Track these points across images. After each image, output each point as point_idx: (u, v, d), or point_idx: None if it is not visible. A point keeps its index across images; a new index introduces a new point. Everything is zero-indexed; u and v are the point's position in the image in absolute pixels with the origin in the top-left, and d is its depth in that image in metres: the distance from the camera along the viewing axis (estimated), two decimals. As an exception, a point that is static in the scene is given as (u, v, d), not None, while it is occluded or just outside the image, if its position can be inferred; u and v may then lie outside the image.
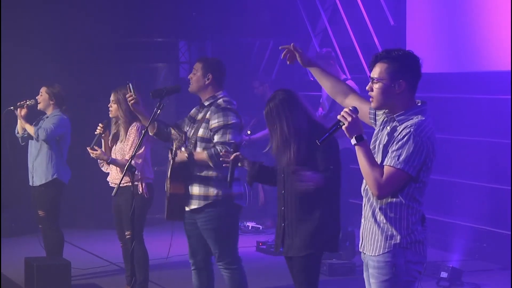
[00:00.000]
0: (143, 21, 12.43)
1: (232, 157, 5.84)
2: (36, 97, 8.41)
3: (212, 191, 6.34)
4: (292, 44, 4.96)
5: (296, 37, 13.31)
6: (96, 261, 9.28)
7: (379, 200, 4.37)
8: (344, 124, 4.30)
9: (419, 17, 11.08)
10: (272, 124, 5.69)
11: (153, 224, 10.32)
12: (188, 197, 6.40)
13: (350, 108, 4.33)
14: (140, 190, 7.40)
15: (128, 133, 7.51)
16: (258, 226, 11.39)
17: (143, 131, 6.46)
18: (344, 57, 11.99)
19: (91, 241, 10.49)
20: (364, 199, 4.50)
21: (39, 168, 8.32)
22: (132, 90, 6.58)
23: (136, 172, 6.83)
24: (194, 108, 6.64)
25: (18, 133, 8.46)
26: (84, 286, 8.49)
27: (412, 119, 4.35)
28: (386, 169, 4.29)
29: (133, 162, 7.21)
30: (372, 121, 4.61)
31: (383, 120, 4.50)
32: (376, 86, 4.40)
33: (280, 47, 5.07)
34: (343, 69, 11.86)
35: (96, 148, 7.43)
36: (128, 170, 6.27)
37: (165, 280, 8.54)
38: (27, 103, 8.39)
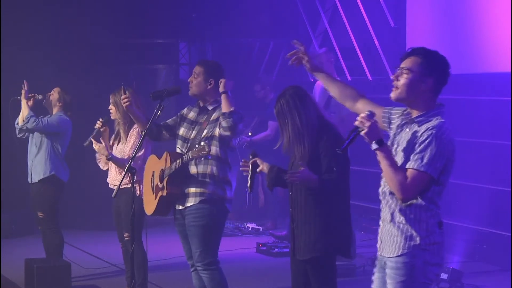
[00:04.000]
0: (144, 22, 12.44)
1: (251, 162, 5.80)
2: (47, 94, 8.45)
3: (208, 189, 6.34)
4: (303, 48, 4.94)
5: (296, 38, 13.31)
6: (96, 262, 9.29)
7: (398, 202, 4.37)
8: (362, 130, 4.28)
9: (419, 18, 11.08)
10: (284, 120, 5.63)
11: (152, 225, 10.32)
12: (183, 196, 6.40)
13: (366, 113, 4.30)
14: (138, 192, 7.41)
15: (129, 135, 7.55)
16: (258, 227, 11.39)
17: (142, 133, 6.46)
18: (344, 59, 11.99)
19: (91, 242, 10.50)
20: (382, 202, 4.50)
21: (38, 165, 8.35)
22: (126, 92, 6.58)
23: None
24: (186, 109, 6.63)
25: (17, 123, 8.46)
26: (84, 287, 8.49)
27: (431, 120, 4.36)
28: (410, 172, 4.28)
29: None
30: (386, 124, 4.58)
31: (399, 123, 4.49)
32: (404, 76, 4.40)
33: (293, 41, 5.06)
34: (343, 71, 11.88)
35: (101, 140, 7.47)
36: (128, 171, 6.27)
37: (164, 281, 8.54)
38: (36, 96, 8.44)
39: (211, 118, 6.41)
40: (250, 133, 11.37)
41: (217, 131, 6.34)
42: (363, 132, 4.28)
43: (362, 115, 4.30)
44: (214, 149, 6.34)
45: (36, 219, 8.52)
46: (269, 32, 13.48)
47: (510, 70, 9.22)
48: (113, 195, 6.40)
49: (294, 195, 5.66)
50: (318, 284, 5.59)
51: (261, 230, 11.35)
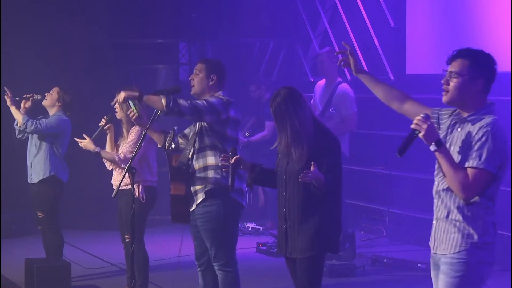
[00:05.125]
0: (144, 22, 12.44)
1: (232, 160, 5.81)
2: (46, 94, 8.44)
3: (211, 180, 6.33)
4: (349, 49, 4.96)
5: (296, 39, 13.33)
6: (96, 262, 9.28)
7: (456, 200, 4.41)
8: (419, 132, 4.32)
9: (419, 18, 11.08)
10: (281, 122, 5.64)
11: (154, 225, 10.32)
12: (191, 196, 6.40)
13: (422, 115, 4.35)
14: (137, 194, 7.40)
15: (129, 133, 7.56)
16: (258, 227, 11.39)
17: (143, 132, 6.46)
18: (344, 59, 11.98)
19: (91, 242, 10.49)
20: (436, 201, 4.54)
21: (37, 166, 8.34)
22: (132, 106, 6.58)
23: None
24: None
25: (17, 125, 8.45)
26: (84, 287, 8.49)
27: (484, 118, 4.43)
28: (470, 171, 4.33)
29: (122, 156, 7.28)
30: (436, 125, 4.61)
31: (449, 123, 4.53)
32: (454, 81, 4.45)
33: (342, 42, 5.07)
34: (344, 71, 11.87)
35: (85, 136, 7.50)
36: (128, 171, 6.27)
37: (164, 281, 8.54)
38: (34, 97, 8.44)
39: None
40: (247, 134, 11.37)
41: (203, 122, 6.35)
42: (420, 134, 4.32)
43: (418, 117, 4.35)
44: (207, 139, 6.35)
45: (36, 219, 8.51)
46: (269, 32, 13.47)
47: (510, 70, 9.22)
48: (113, 195, 6.40)
49: (289, 195, 5.67)
50: (309, 281, 5.64)
51: (261, 230, 11.36)
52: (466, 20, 10.29)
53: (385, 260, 9.16)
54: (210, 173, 6.34)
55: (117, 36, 12.39)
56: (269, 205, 11.60)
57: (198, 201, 6.37)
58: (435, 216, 4.55)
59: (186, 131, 6.65)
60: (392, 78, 11.25)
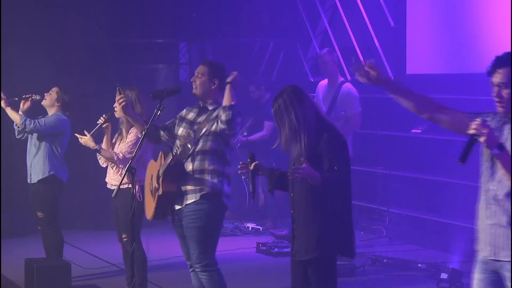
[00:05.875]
0: (143, 22, 12.45)
1: (251, 167, 5.77)
2: (45, 94, 8.44)
3: (207, 184, 6.33)
4: (369, 61, 4.68)
5: (296, 39, 13.33)
6: (96, 262, 9.28)
7: None
8: (480, 137, 4.24)
9: (419, 18, 11.08)
10: (281, 118, 5.60)
11: (153, 225, 10.31)
12: (180, 195, 6.39)
13: (479, 119, 4.28)
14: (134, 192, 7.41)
15: (129, 132, 7.57)
16: (258, 227, 11.39)
17: (143, 133, 6.46)
18: (344, 59, 11.99)
19: (91, 242, 10.49)
20: (493, 206, 4.55)
21: (37, 165, 8.34)
22: (121, 93, 6.59)
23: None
24: (185, 110, 6.63)
25: (16, 125, 8.44)
26: (84, 287, 8.50)
27: None
28: None
29: (121, 156, 7.27)
30: None
31: (495, 125, 4.46)
32: (506, 92, 4.36)
33: (353, 58, 4.87)
34: (344, 71, 11.89)
35: (85, 133, 7.49)
36: (128, 171, 6.27)
37: (164, 281, 8.54)
38: (33, 97, 8.44)
39: (211, 117, 6.41)
40: (245, 133, 11.38)
41: (214, 127, 6.34)
42: (481, 139, 4.25)
43: (476, 122, 4.27)
44: (211, 144, 6.35)
45: (36, 219, 8.51)
46: (269, 32, 13.48)
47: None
48: (113, 195, 6.40)
49: (295, 196, 5.62)
50: (319, 284, 5.56)
51: (261, 230, 11.35)
52: (466, 20, 10.29)
53: (385, 260, 9.15)
54: (206, 177, 6.34)
55: (117, 36, 12.40)
56: (269, 205, 11.60)
57: (189, 201, 6.36)
58: (489, 222, 4.56)
59: (169, 124, 6.62)
60: (392, 78, 11.25)
